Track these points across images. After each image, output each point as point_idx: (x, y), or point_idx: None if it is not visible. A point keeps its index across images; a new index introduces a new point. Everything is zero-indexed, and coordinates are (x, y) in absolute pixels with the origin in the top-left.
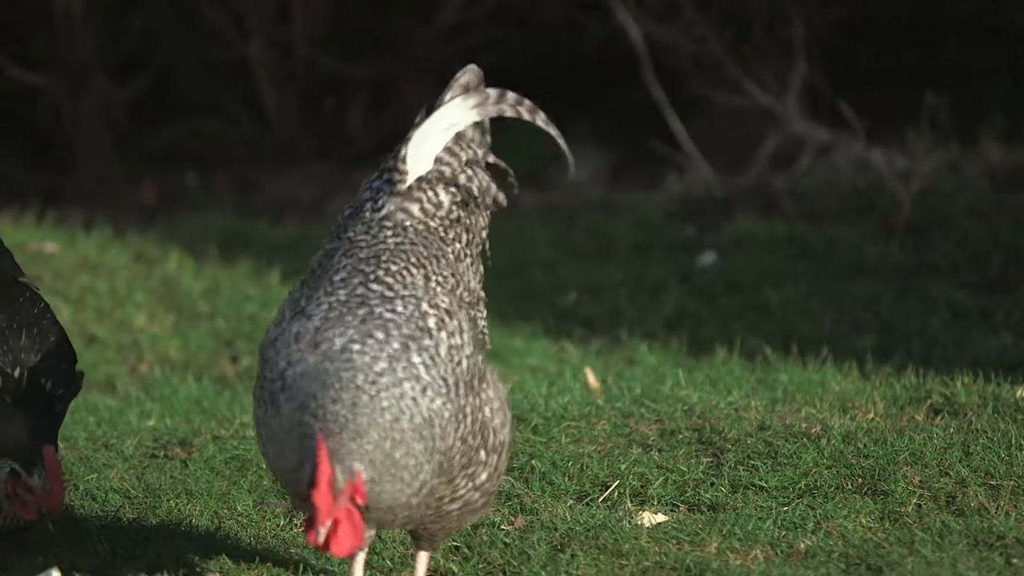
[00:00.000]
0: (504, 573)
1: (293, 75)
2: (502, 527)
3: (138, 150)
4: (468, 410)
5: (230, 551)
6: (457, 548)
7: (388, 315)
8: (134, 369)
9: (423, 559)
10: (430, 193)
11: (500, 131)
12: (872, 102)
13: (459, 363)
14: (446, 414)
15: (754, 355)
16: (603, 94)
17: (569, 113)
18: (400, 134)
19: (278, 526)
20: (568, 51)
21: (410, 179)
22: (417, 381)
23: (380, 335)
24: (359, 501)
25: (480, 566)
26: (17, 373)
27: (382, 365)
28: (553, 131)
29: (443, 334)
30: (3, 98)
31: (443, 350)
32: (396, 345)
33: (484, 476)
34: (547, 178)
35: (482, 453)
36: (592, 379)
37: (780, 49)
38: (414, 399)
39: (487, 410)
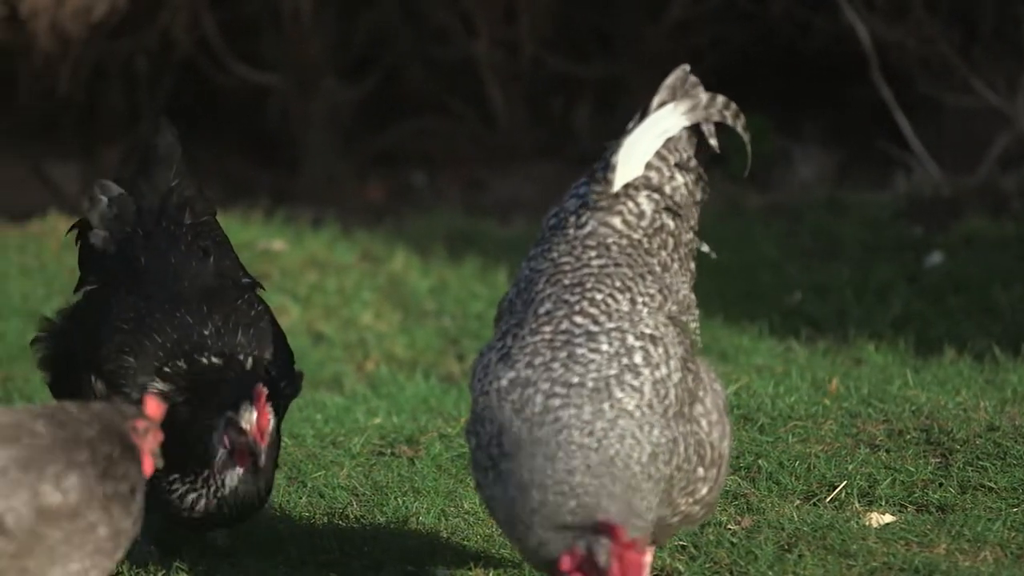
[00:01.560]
0: (731, 573)
1: (519, 74)
2: (728, 527)
3: (366, 149)
4: (680, 439)
5: (456, 549)
6: (684, 547)
7: (592, 356)
8: (361, 367)
9: (648, 556)
10: (631, 204)
11: (721, 129)
12: None
13: (666, 395)
14: (663, 441)
15: (983, 356)
16: (830, 93)
17: (795, 112)
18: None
19: None
20: (795, 49)
21: (618, 186)
22: (631, 417)
23: (577, 380)
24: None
25: (707, 565)
26: (225, 363)
27: (588, 411)
28: (746, 138)
29: (648, 371)
30: (233, 98)
31: (648, 387)
32: (601, 386)
33: (704, 491)
34: (772, 178)
35: (700, 470)
36: (834, 386)
37: (1010, 50)
38: (634, 435)
39: (704, 424)
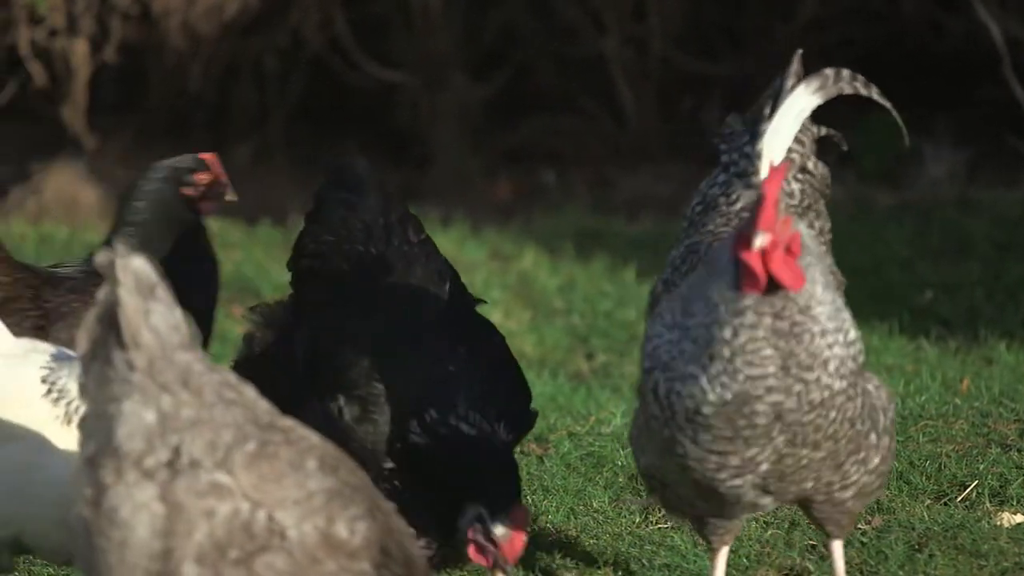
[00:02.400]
0: (861, 572)
1: (649, 72)
2: (859, 526)
3: (494, 147)
4: (858, 390)
5: (585, 547)
6: (814, 547)
7: None
8: None
9: (837, 548)
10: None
11: (852, 128)
12: None
13: (857, 356)
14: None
15: None
16: (961, 91)
17: (926, 110)
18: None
19: (633, 523)
20: (926, 48)
21: (765, 174)
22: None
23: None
24: (795, 250)
25: (831, 562)
26: (469, 415)
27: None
28: (886, 103)
29: (845, 314)
30: (363, 95)
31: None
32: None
33: (877, 460)
34: (902, 176)
35: (872, 436)
36: (965, 386)
37: None
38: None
39: (871, 387)
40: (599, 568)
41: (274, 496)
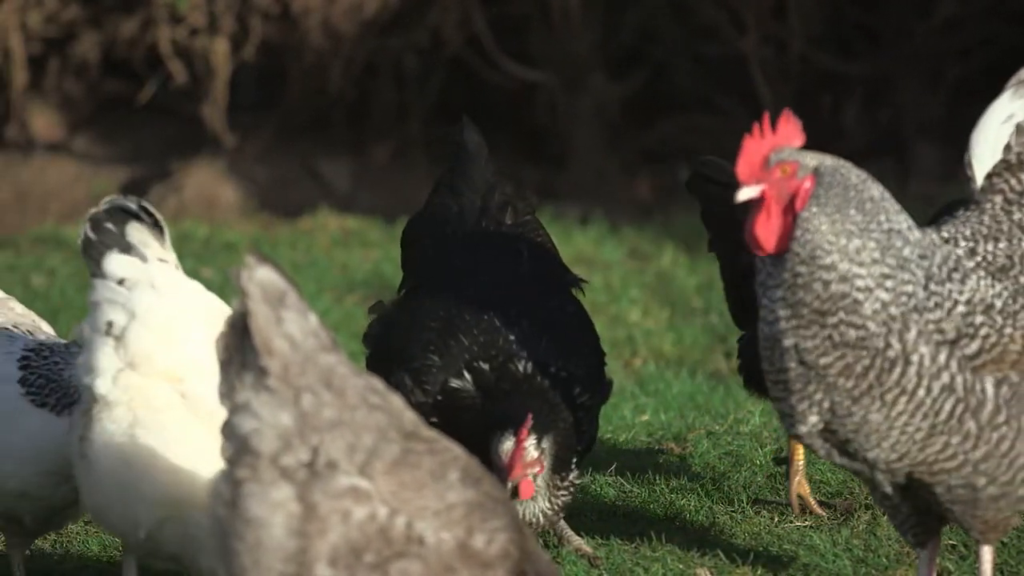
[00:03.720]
0: (1002, 573)
1: (787, 71)
2: None
3: (633, 146)
4: (929, 354)
5: (723, 546)
6: (954, 547)
7: None
8: (628, 364)
9: (985, 554)
10: (1012, 181)
11: None
12: None
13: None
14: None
15: None
16: None
17: None
18: (894, 131)
19: (772, 522)
20: None
21: (979, 180)
22: None
23: None
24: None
25: (976, 565)
26: (525, 368)
27: None
28: None
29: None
30: (502, 94)
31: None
32: None
33: (979, 454)
34: None
35: (971, 423)
36: None
37: None
38: None
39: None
40: (738, 567)
41: (414, 504)
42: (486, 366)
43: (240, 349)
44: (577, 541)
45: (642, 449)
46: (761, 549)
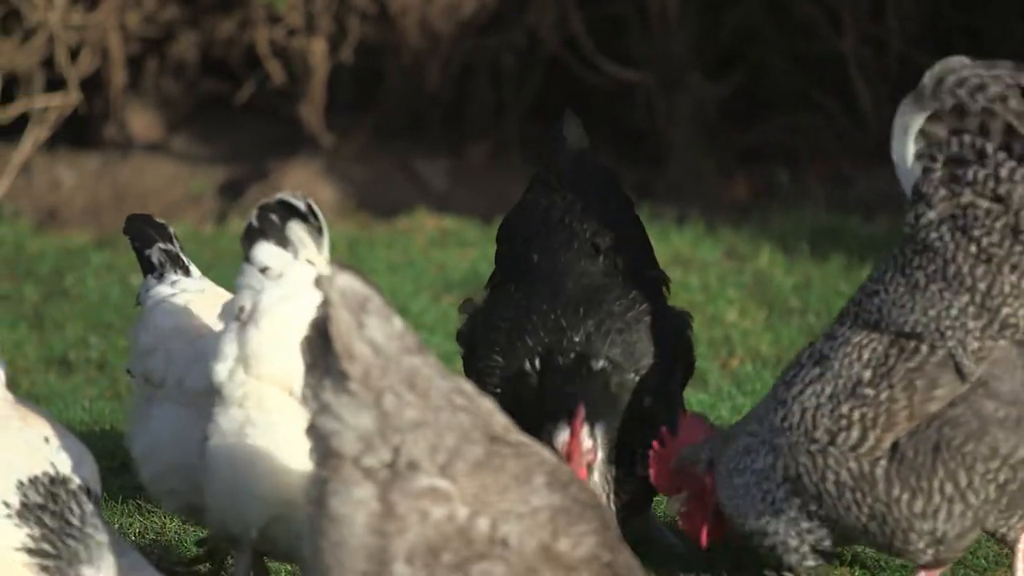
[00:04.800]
0: None
1: (887, 72)
2: None
3: (730, 146)
4: None
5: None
6: None
7: None
8: (725, 364)
9: (1020, 551)
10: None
11: None
12: None
13: None
14: None
15: None
16: None
17: None
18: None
19: None
20: None
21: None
22: None
23: None
24: None
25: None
26: (588, 370)
27: None
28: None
29: None
30: (599, 94)
31: None
32: None
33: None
34: None
35: None
36: None
37: None
38: None
39: None
40: (836, 569)
41: (496, 507)
42: (549, 367)
43: (323, 353)
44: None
45: None
46: (859, 549)
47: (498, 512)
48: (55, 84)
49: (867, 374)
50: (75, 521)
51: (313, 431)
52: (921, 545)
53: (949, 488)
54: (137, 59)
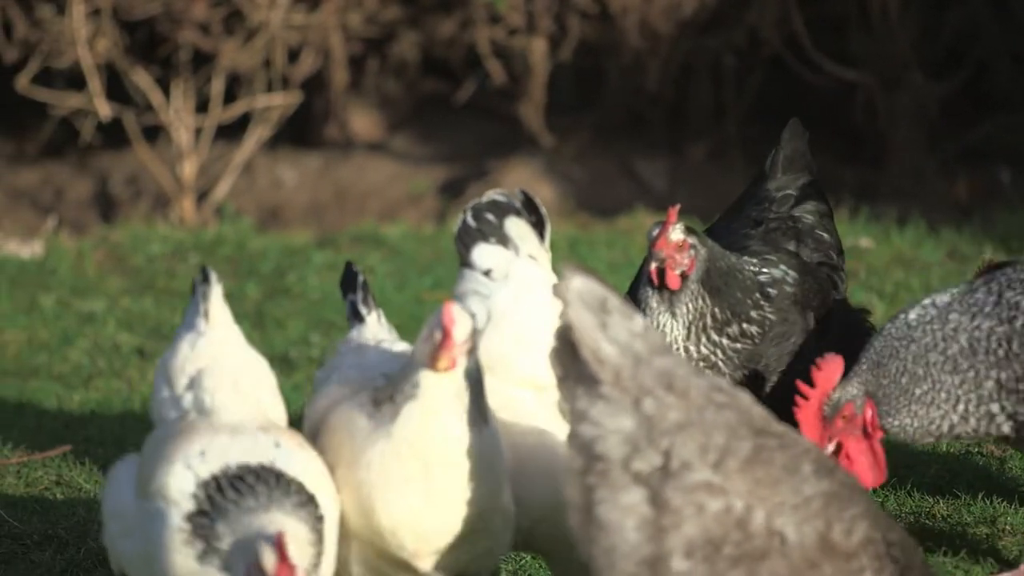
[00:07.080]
0: None
1: None
2: None
3: (952, 146)
4: None
5: None
6: None
7: None
8: None
9: None
10: None
11: None
12: None
13: None
14: None
15: None
16: None
17: None
18: None
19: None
20: None
21: None
22: None
23: None
24: None
25: None
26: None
27: None
28: None
29: None
30: (819, 94)
31: None
32: None
33: None
34: None
35: None
36: None
37: None
38: None
39: None
40: None
41: (771, 500)
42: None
43: (572, 362)
44: None
45: (959, 453)
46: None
47: (772, 506)
48: (277, 84)
49: None
50: None
51: (574, 440)
52: None
53: None
54: (358, 59)
